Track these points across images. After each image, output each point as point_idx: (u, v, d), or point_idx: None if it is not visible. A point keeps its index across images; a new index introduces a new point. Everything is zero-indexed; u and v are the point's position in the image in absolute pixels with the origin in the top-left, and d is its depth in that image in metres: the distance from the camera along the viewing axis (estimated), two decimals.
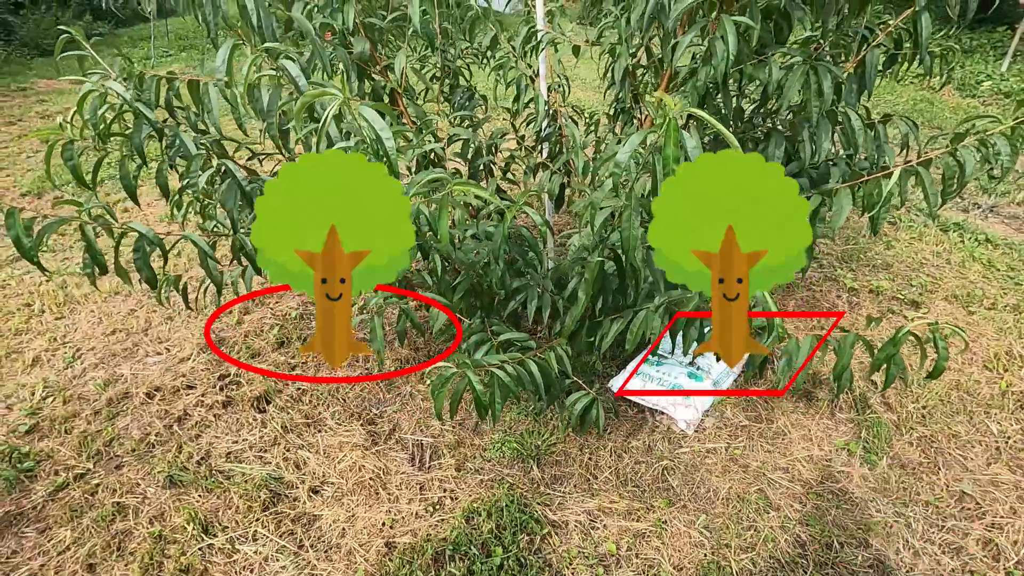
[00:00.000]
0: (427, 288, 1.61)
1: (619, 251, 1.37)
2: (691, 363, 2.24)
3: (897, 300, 2.69)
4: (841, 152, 1.77)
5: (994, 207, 3.78)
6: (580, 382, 1.77)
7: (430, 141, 1.59)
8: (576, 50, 1.94)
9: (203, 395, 2.24)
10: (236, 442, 2.03)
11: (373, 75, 1.72)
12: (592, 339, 1.63)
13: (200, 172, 1.35)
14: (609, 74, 1.98)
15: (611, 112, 2.15)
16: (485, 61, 2.29)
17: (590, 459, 1.92)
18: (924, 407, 2.07)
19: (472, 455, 1.95)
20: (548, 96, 2.27)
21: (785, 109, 1.36)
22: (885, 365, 1.25)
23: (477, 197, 1.08)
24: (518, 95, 2.15)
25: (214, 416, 2.15)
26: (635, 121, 2.05)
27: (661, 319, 1.38)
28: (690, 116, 1.56)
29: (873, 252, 3.11)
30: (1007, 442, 1.93)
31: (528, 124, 2.37)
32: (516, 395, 1.42)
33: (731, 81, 1.39)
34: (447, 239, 1.01)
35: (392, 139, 0.82)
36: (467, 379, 1.27)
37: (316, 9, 1.61)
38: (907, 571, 1.57)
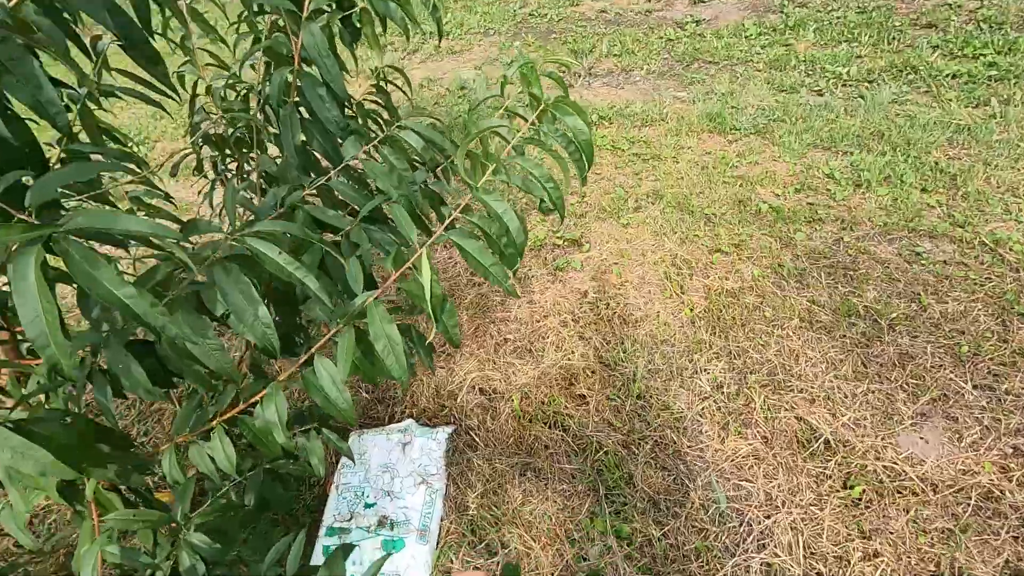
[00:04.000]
0: None
1: None
2: (381, 522, 1.55)
3: (560, 248, 2.31)
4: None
5: (591, 69, 3.68)
6: None
7: None
8: None
9: None
10: None
11: None
12: None
13: None
14: None
15: None
16: None
17: None
18: (639, 399, 1.72)
19: None
20: None
21: None
22: None
23: None
24: None
25: None
26: None
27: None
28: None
29: None
30: (721, 391, 1.69)
31: None
32: None
33: None
34: None
35: None
36: None
37: None
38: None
